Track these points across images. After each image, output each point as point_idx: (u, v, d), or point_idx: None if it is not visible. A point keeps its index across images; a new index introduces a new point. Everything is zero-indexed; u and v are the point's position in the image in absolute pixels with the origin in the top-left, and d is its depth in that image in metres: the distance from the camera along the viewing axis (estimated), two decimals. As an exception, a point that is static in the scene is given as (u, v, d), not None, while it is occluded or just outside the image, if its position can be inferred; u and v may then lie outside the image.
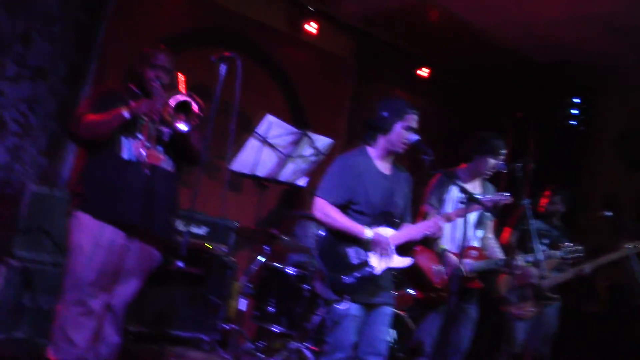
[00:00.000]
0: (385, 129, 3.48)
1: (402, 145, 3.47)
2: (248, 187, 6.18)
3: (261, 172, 3.34)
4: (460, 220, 3.71)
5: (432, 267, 4.08)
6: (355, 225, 3.37)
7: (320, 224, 3.37)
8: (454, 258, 4.03)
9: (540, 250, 4.49)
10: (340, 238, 3.38)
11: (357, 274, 3.32)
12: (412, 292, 4.44)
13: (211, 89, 3.20)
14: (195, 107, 3.21)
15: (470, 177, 4.25)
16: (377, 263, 3.37)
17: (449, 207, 4.09)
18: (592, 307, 6.58)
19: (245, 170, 3.32)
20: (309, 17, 6.46)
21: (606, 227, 5.67)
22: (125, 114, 3.23)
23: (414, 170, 3.71)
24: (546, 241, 5.07)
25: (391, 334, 4.86)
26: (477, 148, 4.24)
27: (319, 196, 3.39)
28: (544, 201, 5.31)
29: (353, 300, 3.29)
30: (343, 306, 3.24)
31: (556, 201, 5.28)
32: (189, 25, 6.00)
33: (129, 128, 3.30)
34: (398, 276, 4.90)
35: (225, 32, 6.09)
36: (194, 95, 3.24)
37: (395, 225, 3.49)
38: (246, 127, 3.88)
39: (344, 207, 3.43)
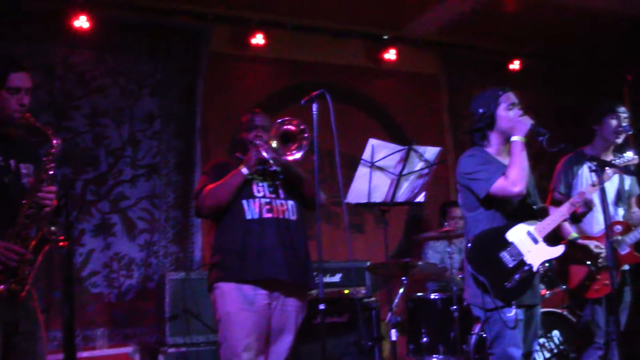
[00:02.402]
0: (489, 123, 3.32)
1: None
2: (370, 225, 6.21)
3: (377, 198, 3.29)
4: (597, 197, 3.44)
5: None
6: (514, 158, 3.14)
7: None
8: (589, 242, 3.80)
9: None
10: (490, 244, 3.22)
11: (516, 277, 3.16)
12: (564, 287, 4.18)
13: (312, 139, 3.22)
14: (294, 128, 3.24)
15: (601, 151, 4.00)
16: (532, 258, 3.20)
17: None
18: None
19: (362, 200, 3.29)
20: (387, 46, 6.47)
21: None
22: (243, 170, 3.34)
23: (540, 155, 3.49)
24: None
25: (556, 337, 4.58)
26: (594, 117, 4.02)
27: (489, 192, 3.16)
28: None
29: (518, 305, 3.14)
30: (511, 313, 3.10)
31: None
32: (279, 87, 6.19)
33: (247, 191, 3.40)
34: (550, 274, 4.65)
35: (313, 83, 6.20)
36: (290, 119, 3.28)
37: (535, 216, 3.32)
38: (355, 169, 3.88)
39: (490, 202, 3.23)
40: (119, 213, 5.40)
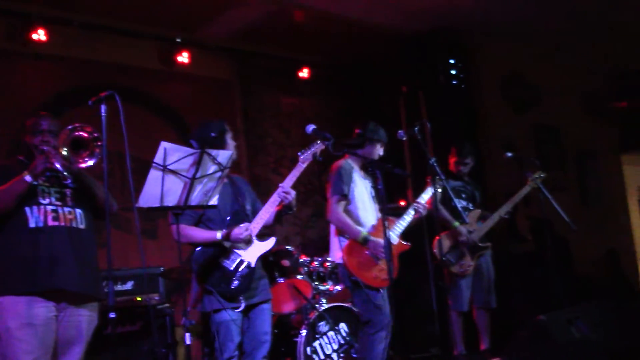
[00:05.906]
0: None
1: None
2: (163, 230, 6.10)
3: (170, 201, 3.26)
4: (368, 202, 4.09)
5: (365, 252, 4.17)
6: (207, 232, 3.71)
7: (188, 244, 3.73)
8: (377, 239, 4.13)
9: (460, 205, 4.65)
10: (214, 253, 3.65)
11: (239, 274, 3.63)
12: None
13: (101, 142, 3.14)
14: (87, 135, 3.11)
15: (359, 163, 4.37)
16: (249, 256, 3.67)
17: (357, 193, 4.23)
18: (519, 248, 6.85)
19: (154, 204, 3.23)
20: (180, 49, 6.41)
21: (511, 168, 5.91)
22: (27, 178, 3.12)
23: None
24: (463, 196, 5.24)
25: (343, 329, 4.87)
26: (373, 135, 4.35)
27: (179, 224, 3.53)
28: (453, 163, 5.43)
29: (245, 300, 3.62)
30: (241, 307, 3.60)
31: (467, 162, 5.41)
32: (65, 87, 5.85)
33: (31, 197, 3.19)
34: (337, 271, 4.93)
35: (103, 83, 5.94)
36: (82, 125, 3.13)
37: (247, 219, 3.77)
38: (147, 172, 3.81)
39: (199, 223, 3.77)
40: None
